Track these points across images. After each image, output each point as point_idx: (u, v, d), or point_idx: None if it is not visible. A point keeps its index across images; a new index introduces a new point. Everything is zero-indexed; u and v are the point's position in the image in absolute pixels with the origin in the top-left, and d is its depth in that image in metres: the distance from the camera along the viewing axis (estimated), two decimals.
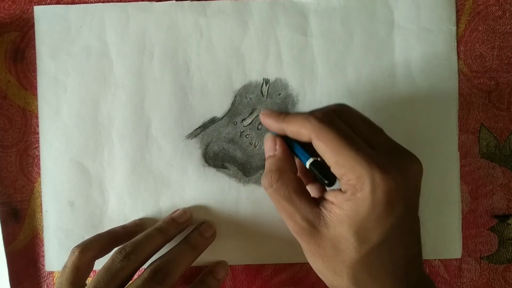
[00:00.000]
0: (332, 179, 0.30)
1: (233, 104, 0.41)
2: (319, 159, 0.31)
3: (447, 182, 0.40)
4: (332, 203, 0.29)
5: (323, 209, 0.30)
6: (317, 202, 0.30)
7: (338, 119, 0.30)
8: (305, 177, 0.35)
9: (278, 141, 0.33)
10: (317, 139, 0.29)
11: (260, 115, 0.34)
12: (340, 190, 0.29)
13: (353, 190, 0.28)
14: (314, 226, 0.30)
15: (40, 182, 0.41)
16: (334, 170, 0.29)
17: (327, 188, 0.32)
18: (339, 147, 0.28)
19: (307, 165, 0.31)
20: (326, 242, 0.30)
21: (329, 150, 0.29)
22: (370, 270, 0.29)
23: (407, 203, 0.29)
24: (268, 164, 0.32)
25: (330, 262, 0.30)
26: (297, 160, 0.33)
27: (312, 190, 0.35)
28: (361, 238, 0.28)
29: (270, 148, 0.33)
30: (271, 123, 0.32)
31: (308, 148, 0.31)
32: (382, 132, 0.32)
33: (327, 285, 0.32)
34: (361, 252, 0.29)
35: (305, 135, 0.30)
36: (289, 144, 0.33)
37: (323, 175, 0.30)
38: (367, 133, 0.31)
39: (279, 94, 0.41)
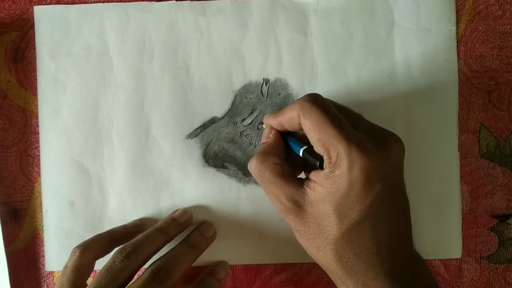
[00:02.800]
0: (322, 160, 0.30)
1: (233, 104, 0.41)
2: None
3: (447, 182, 0.40)
4: (314, 181, 0.30)
5: (307, 188, 0.31)
6: (302, 183, 0.31)
7: (325, 100, 0.31)
8: (298, 168, 0.36)
9: (273, 131, 0.34)
10: (303, 118, 0.30)
11: (263, 120, 0.36)
12: (322, 169, 0.30)
13: (333, 168, 0.29)
14: (299, 205, 0.31)
15: (40, 182, 0.41)
16: (317, 148, 0.30)
17: None
18: (323, 123, 0.29)
19: (300, 152, 0.32)
20: (311, 220, 0.31)
21: (313, 128, 0.30)
22: (353, 247, 0.30)
23: (388, 181, 0.30)
24: (258, 149, 0.34)
25: (315, 239, 0.31)
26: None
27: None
28: (342, 215, 0.29)
29: (264, 136, 0.35)
30: (270, 120, 0.34)
31: (302, 141, 0.33)
32: (362, 117, 0.34)
33: (315, 261, 0.33)
34: (342, 229, 0.30)
35: (296, 118, 0.31)
36: (284, 138, 0.34)
37: (314, 158, 0.31)
38: (348, 117, 0.32)
39: (279, 94, 0.41)
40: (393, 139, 0.32)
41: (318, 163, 0.31)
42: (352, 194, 0.29)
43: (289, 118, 0.32)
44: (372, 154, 0.29)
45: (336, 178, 0.29)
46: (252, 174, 0.33)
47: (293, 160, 0.34)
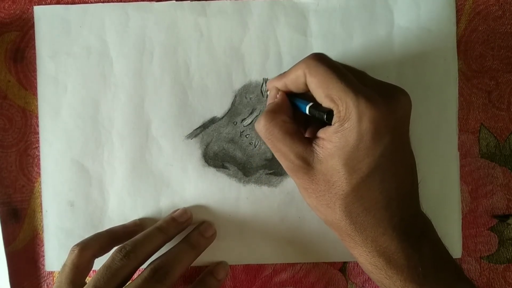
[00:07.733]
0: (329, 113, 0.30)
1: (233, 104, 0.41)
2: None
3: (447, 182, 0.40)
4: (323, 139, 0.30)
5: (315, 146, 0.31)
6: (311, 141, 0.31)
7: (330, 58, 0.32)
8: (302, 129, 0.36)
9: (279, 91, 0.34)
10: (309, 76, 0.30)
11: (266, 84, 0.36)
12: (330, 125, 0.30)
13: (342, 121, 0.29)
14: (308, 163, 0.31)
15: (40, 182, 0.41)
16: (325, 104, 0.30)
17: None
18: (330, 79, 0.29)
19: (307, 109, 0.32)
20: (320, 177, 0.31)
21: (320, 84, 0.30)
22: (362, 202, 0.30)
23: (396, 133, 0.30)
24: (265, 109, 0.34)
25: (324, 197, 0.31)
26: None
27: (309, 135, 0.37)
28: (351, 169, 0.29)
29: (271, 97, 0.34)
30: (275, 82, 0.34)
31: (307, 100, 0.33)
32: (367, 74, 0.34)
33: (323, 221, 0.33)
34: (352, 183, 0.30)
35: (302, 77, 0.31)
36: (290, 99, 0.34)
37: (321, 112, 0.31)
38: (354, 74, 0.32)
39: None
40: (400, 93, 0.32)
41: (325, 116, 0.30)
42: (361, 147, 0.29)
43: (294, 78, 0.32)
44: (380, 105, 0.29)
45: (345, 131, 0.29)
46: (260, 134, 0.33)
47: (297, 122, 0.34)
